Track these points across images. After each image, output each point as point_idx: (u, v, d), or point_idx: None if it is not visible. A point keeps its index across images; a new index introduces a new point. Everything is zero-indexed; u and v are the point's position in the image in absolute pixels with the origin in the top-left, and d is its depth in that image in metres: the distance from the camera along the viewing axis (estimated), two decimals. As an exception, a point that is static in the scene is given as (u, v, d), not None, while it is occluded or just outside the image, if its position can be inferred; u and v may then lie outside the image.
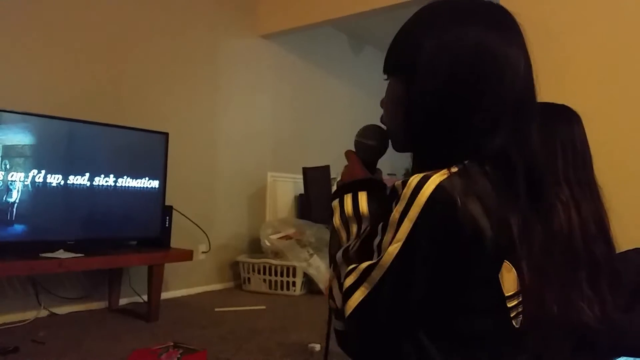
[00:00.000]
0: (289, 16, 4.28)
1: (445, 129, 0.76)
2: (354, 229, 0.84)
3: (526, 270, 0.73)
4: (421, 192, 0.69)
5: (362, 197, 0.85)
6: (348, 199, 0.86)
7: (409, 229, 0.69)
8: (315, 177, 4.42)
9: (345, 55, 5.58)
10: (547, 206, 0.78)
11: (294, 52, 4.82)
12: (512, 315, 0.73)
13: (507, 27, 0.78)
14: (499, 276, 0.71)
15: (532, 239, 0.74)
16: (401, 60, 0.82)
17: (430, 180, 0.69)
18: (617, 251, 1.13)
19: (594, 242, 0.99)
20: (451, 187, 0.68)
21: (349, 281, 0.75)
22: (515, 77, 0.75)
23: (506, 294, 0.72)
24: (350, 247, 0.80)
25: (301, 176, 4.42)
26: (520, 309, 0.74)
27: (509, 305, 0.73)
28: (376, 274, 0.71)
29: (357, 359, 0.78)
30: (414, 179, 0.70)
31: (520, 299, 0.74)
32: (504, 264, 0.71)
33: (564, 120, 1.19)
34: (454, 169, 0.71)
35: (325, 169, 4.54)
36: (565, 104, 1.25)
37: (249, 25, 4.38)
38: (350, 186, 0.88)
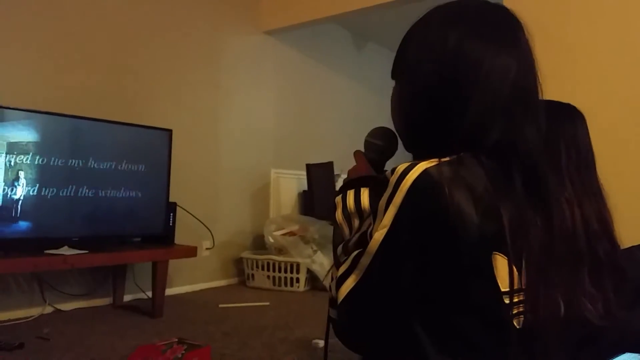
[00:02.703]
0: (292, 12, 4.28)
1: (436, 127, 0.77)
2: (355, 223, 0.85)
3: (525, 267, 0.71)
4: (406, 178, 0.69)
5: (365, 193, 0.87)
6: (350, 195, 0.87)
7: (394, 215, 0.69)
8: (318, 173, 4.42)
9: (348, 51, 5.58)
10: (548, 202, 0.75)
11: (297, 49, 4.82)
12: (512, 313, 0.70)
13: (494, 29, 0.78)
14: (494, 269, 0.68)
15: (529, 234, 0.71)
16: (397, 63, 0.85)
17: (416, 167, 0.69)
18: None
19: (597, 241, 0.99)
20: (438, 173, 0.68)
21: (341, 269, 0.76)
22: (503, 82, 0.75)
23: (506, 289, 0.69)
24: (350, 240, 0.81)
25: (304, 172, 4.43)
26: (520, 308, 0.71)
27: (507, 301, 0.70)
28: (365, 261, 0.73)
29: (351, 347, 0.78)
30: (401, 167, 0.71)
31: (521, 297, 0.71)
32: (496, 256, 0.69)
33: (569, 120, 1.19)
34: (446, 159, 0.71)
35: (329, 165, 4.54)
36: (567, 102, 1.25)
37: (251, 22, 4.37)
38: (353, 183, 0.89)
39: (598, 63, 2.65)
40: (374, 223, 0.73)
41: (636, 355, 0.96)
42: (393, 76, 0.86)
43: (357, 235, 0.80)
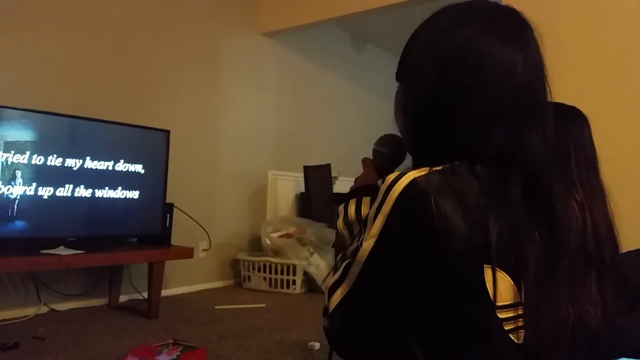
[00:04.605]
0: (292, 14, 4.28)
1: (438, 131, 0.75)
2: (356, 231, 0.84)
3: (524, 281, 0.68)
4: (394, 187, 0.68)
5: (366, 201, 0.85)
6: (352, 204, 0.87)
7: (382, 225, 0.69)
8: (316, 175, 4.43)
9: (347, 53, 5.58)
10: (553, 215, 0.72)
11: (296, 50, 4.82)
12: (508, 329, 0.67)
13: (503, 27, 0.75)
14: (485, 282, 0.66)
15: (525, 247, 0.69)
16: (400, 65, 0.83)
17: (405, 177, 0.68)
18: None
19: (604, 245, 0.99)
20: (426, 182, 0.67)
21: (332, 279, 0.76)
22: (509, 78, 0.72)
23: (498, 303, 0.66)
24: (349, 248, 0.80)
25: (302, 175, 4.43)
26: (520, 323, 0.68)
27: (501, 316, 0.67)
28: (354, 271, 0.72)
29: (344, 356, 0.78)
30: (391, 176, 0.70)
31: (520, 312, 0.68)
32: (489, 269, 0.66)
33: (576, 123, 1.20)
34: (438, 167, 0.69)
35: (326, 167, 4.54)
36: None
37: (251, 23, 4.38)
38: (356, 191, 0.89)
39: (598, 64, 2.66)
40: (364, 232, 0.73)
41: (632, 360, 0.96)
42: (397, 78, 0.84)
43: (355, 244, 0.79)
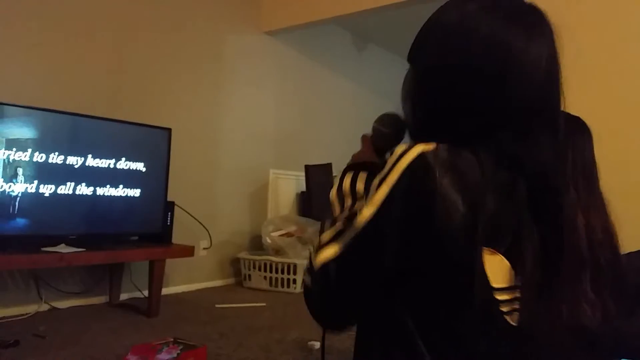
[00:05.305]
0: (293, 13, 4.28)
1: (446, 122, 0.75)
2: (347, 203, 0.84)
3: (524, 266, 0.69)
4: (402, 159, 0.69)
5: (362, 176, 0.85)
6: (348, 177, 0.87)
7: (385, 194, 0.69)
8: (317, 174, 4.42)
9: (349, 53, 5.58)
10: (560, 218, 0.72)
11: (298, 49, 4.82)
12: (504, 310, 0.68)
13: (528, 22, 0.74)
14: (481, 263, 0.67)
15: (522, 238, 0.69)
16: (416, 46, 0.81)
17: (413, 149, 0.69)
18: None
19: (599, 249, 0.99)
20: (433, 157, 0.67)
21: (324, 238, 0.76)
22: (533, 74, 0.72)
23: (495, 285, 0.68)
24: (339, 217, 0.80)
25: (303, 174, 4.42)
26: (516, 306, 0.69)
27: (499, 297, 0.68)
28: (349, 234, 0.72)
29: (316, 317, 0.79)
30: (400, 147, 0.70)
31: (517, 295, 0.69)
32: (485, 249, 0.67)
33: (578, 131, 1.21)
34: (445, 145, 0.69)
35: (328, 166, 4.54)
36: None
37: (252, 22, 4.37)
38: (353, 166, 0.89)
39: (594, 70, 2.65)
40: (365, 200, 0.73)
41: (632, 361, 0.96)
42: (410, 59, 0.82)
43: (346, 212, 0.79)
